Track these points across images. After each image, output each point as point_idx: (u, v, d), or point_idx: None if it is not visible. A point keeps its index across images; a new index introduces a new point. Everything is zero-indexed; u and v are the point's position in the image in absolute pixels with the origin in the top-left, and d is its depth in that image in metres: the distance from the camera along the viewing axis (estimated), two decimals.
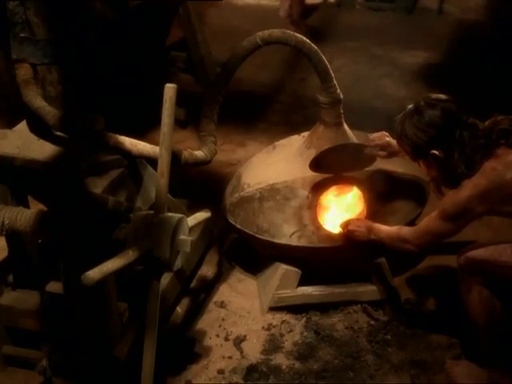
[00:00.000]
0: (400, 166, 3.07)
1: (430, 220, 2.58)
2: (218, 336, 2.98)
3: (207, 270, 3.36)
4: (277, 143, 3.29)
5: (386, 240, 2.75)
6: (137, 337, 2.58)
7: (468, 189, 2.41)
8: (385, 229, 2.78)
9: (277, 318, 3.06)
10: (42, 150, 2.33)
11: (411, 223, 3.11)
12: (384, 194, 3.01)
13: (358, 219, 2.92)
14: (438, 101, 2.49)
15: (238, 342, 2.94)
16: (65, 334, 2.58)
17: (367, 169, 3.00)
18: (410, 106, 2.54)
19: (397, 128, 2.56)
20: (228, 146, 4.41)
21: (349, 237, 2.87)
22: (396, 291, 3.10)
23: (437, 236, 2.58)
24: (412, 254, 2.71)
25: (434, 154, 2.46)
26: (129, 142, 2.47)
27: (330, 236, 2.95)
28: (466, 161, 2.42)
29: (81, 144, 2.39)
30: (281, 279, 3.04)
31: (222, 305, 3.14)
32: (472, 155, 2.41)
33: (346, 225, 2.89)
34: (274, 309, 3.07)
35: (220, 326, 3.03)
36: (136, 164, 2.66)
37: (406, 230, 2.69)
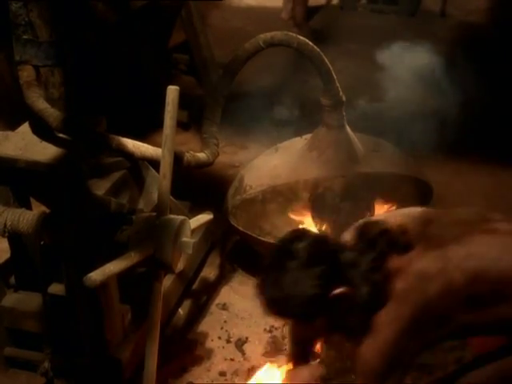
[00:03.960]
0: (401, 167, 3.07)
1: None
2: (219, 338, 2.97)
3: (209, 272, 3.36)
4: (279, 145, 3.30)
5: None
6: (139, 339, 2.58)
7: (388, 327, 1.83)
8: None
9: (278, 320, 3.05)
10: (44, 151, 2.33)
11: None
12: (384, 195, 3.01)
13: None
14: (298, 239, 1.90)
15: (240, 344, 2.94)
16: (67, 335, 2.58)
17: (367, 171, 2.99)
18: (267, 262, 1.94)
19: (270, 297, 1.89)
20: (230, 148, 4.41)
21: None
22: None
23: None
24: None
25: (337, 294, 1.83)
26: (131, 143, 2.47)
27: None
28: (371, 294, 1.84)
29: (83, 146, 2.39)
30: None
31: (223, 307, 3.14)
32: (376, 284, 1.84)
33: None
34: None
35: (222, 328, 3.03)
36: (138, 166, 2.66)
37: None
